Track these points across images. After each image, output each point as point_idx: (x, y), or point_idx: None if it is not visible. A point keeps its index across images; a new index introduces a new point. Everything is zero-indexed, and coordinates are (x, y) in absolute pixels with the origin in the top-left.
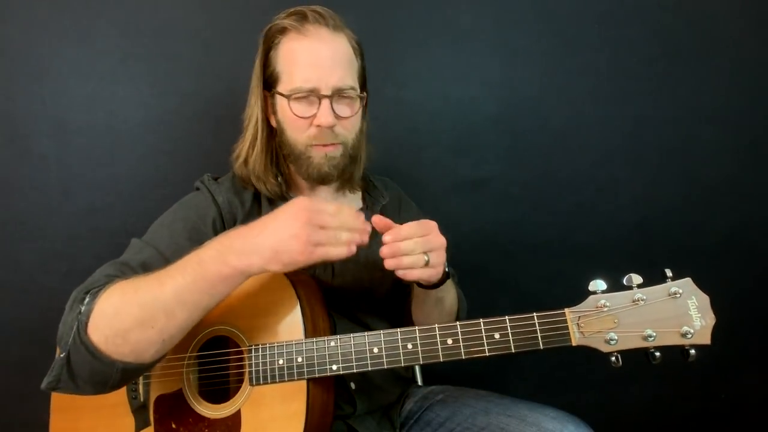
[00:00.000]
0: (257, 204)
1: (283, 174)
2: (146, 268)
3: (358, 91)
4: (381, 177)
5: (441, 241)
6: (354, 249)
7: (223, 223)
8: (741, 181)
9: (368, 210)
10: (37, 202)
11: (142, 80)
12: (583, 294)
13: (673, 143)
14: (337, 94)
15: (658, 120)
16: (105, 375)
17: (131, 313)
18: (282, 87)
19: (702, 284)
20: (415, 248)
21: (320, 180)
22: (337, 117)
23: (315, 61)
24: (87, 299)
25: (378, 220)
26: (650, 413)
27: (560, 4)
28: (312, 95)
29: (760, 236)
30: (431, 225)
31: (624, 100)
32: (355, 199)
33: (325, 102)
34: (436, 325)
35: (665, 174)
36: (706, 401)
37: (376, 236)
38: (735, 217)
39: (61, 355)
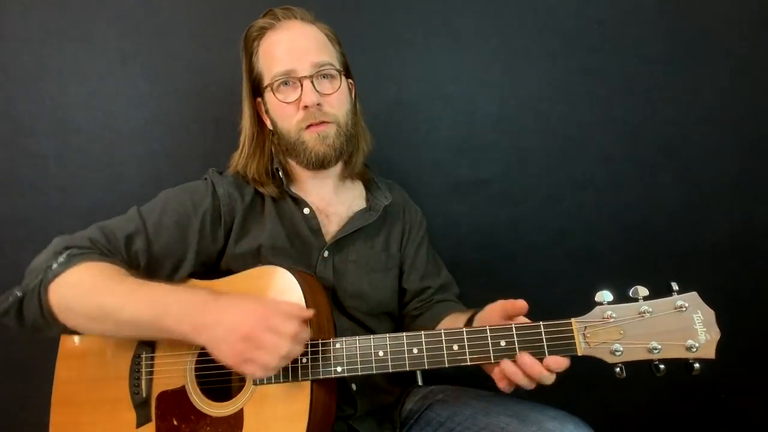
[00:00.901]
0: (260, 199)
1: (285, 171)
2: (128, 242)
3: (338, 67)
4: (386, 180)
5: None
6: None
7: (219, 216)
8: (741, 181)
9: (370, 210)
10: (37, 202)
11: (142, 80)
12: (583, 295)
13: (673, 143)
14: (317, 72)
15: (658, 120)
16: (46, 329)
17: (89, 306)
18: (265, 82)
19: (702, 285)
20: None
21: (320, 163)
22: (321, 95)
23: (288, 47)
24: (62, 259)
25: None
26: (650, 413)
27: (560, 5)
28: (292, 79)
29: (760, 236)
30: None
31: (624, 100)
32: (358, 196)
33: (306, 82)
34: (442, 331)
35: (665, 174)
36: (706, 401)
37: (376, 239)
38: (735, 217)
39: (18, 294)
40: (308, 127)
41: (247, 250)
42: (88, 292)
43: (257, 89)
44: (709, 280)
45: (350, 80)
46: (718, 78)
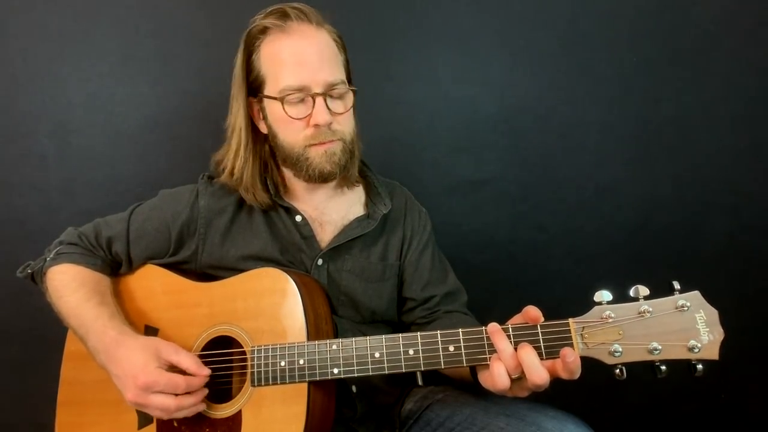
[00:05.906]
0: (248, 209)
1: (275, 181)
2: (109, 244)
3: (348, 84)
4: (388, 181)
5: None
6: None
7: (195, 229)
8: (741, 181)
9: (369, 218)
10: (37, 202)
11: (142, 80)
12: (583, 295)
13: (673, 143)
14: (329, 90)
15: (658, 120)
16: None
17: (56, 304)
18: (270, 90)
19: (701, 284)
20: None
21: (323, 179)
22: (332, 114)
23: (302, 59)
24: (53, 254)
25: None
26: (650, 413)
27: (560, 5)
28: (304, 95)
29: (760, 236)
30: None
31: (624, 100)
32: (356, 202)
33: (319, 100)
34: (438, 332)
35: (665, 174)
36: (706, 401)
37: (373, 248)
38: (735, 217)
39: (29, 271)
40: (315, 144)
41: (228, 260)
42: (55, 291)
43: (253, 90)
44: (709, 280)
45: (353, 88)
46: (718, 78)
